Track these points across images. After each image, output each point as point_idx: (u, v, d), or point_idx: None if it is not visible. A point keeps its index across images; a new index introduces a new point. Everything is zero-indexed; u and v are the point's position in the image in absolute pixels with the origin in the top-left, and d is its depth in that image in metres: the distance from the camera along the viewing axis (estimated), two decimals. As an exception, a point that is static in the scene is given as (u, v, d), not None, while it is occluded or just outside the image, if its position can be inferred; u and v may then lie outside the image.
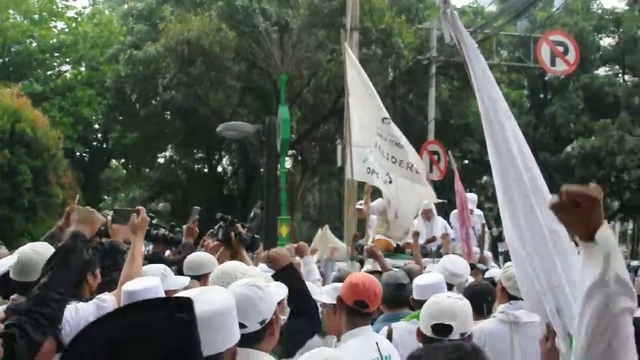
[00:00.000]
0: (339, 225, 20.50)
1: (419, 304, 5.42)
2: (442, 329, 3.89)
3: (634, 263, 12.94)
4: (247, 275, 3.85)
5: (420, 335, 4.23)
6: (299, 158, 34.47)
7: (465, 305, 4.00)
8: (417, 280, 5.78)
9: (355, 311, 4.71)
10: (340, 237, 15.66)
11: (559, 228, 2.89)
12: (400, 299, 5.80)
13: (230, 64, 24.70)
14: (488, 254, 12.01)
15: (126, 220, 4.98)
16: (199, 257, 6.26)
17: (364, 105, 10.37)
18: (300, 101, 27.69)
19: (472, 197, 13.46)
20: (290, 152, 30.46)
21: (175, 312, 1.94)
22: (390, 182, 10.46)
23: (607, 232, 2.15)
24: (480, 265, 10.60)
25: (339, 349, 4.54)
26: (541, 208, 2.94)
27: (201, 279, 5.66)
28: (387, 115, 10.47)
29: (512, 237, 3.02)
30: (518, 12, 26.62)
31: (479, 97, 3.29)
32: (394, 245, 11.45)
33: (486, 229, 12.67)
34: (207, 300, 2.82)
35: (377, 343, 4.74)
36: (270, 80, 26.00)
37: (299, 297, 4.49)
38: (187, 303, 1.99)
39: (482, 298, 5.82)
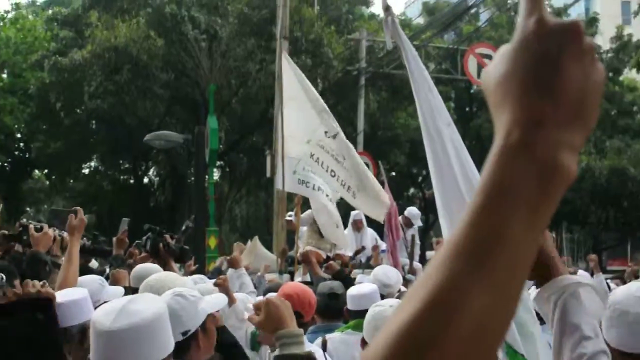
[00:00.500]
0: (267, 238, 20.41)
1: (353, 314, 5.39)
2: None
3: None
4: (177, 285, 3.74)
5: (365, 345, 4.16)
6: (227, 169, 34.22)
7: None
8: (351, 291, 5.76)
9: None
10: (269, 250, 15.56)
11: None
12: (334, 309, 5.75)
13: (158, 73, 24.37)
14: (418, 265, 12.01)
15: (63, 222, 4.83)
16: (145, 269, 6.00)
17: (298, 118, 10.22)
18: (229, 111, 27.48)
19: (416, 213, 13.59)
20: (218, 163, 30.22)
21: (33, 313, 1.86)
22: (322, 191, 10.38)
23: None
24: (409, 277, 10.62)
25: None
26: None
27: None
28: (334, 129, 10.25)
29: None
30: (445, 25, 27.00)
31: (418, 104, 3.30)
32: (324, 256, 11.40)
33: (417, 240, 12.69)
34: (135, 311, 2.71)
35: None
36: (199, 89, 25.73)
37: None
38: (44, 303, 1.90)
39: None
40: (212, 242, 18.27)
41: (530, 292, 2.95)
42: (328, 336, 5.34)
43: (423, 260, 14.63)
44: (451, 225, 3.07)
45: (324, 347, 5.26)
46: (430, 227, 45.15)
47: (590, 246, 45.99)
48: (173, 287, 3.57)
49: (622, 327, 2.61)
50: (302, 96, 10.23)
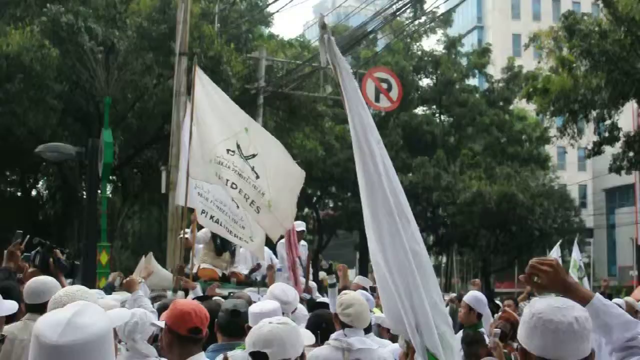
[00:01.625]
0: (159, 255, 20.00)
1: (255, 333, 5.36)
2: (258, 357, 3.74)
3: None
4: (89, 299, 3.63)
5: None
6: (120, 184, 33.54)
7: (287, 330, 3.83)
8: (253, 308, 5.72)
9: (190, 339, 4.57)
10: (162, 266, 15.27)
11: (420, 249, 2.99)
12: (235, 326, 5.66)
13: (51, 83, 23.64)
14: (313, 284, 12.04)
15: None
16: (42, 282, 5.70)
17: (206, 138, 10.19)
18: (124, 125, 26.95)
19: (300, 223, 13.48)
20: (111, 177, 29.56)
21: None
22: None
23: None
24: (304, 295, 10.61)
25: None
26: (405, 229, 3.01)
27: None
28: (238, 150, 10.19)
29: (377, 256, 3.05)
30: (344, 49, 27.29)
31: (351, 121, 3.33)
32: (220, 274, 11.31)
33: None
34: (82, 325, 2.61)
35: None
36: (94, 102, 25.14)
37: None
38: None
39: (316, 325, 5.88)
40: (103, 258, 17.80)
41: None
42: (229, 353, 5.26)
43: (316, 279, 14.62)
44: (378, 234, 3.12)
45: (224, 364, 5.21)
46: (323, 247, 45.51)
47: (480, 268, 47.17)
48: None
49: (545, 336, 2.78)
50: (209, 117, 10.19)
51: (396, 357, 6.04)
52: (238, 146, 10.22)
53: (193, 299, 8.48)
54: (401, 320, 2.95)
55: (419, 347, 2.89)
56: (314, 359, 5.60)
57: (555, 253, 17.98)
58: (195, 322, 4.57)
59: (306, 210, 46.39)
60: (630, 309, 12.73)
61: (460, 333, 7.46)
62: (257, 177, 10.20)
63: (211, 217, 10.63)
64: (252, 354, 3.76)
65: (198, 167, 10.15)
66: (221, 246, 11.59)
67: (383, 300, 3.13)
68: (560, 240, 19.22)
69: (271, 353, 3.70)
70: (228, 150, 10.13)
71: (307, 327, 5.81)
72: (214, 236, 11.45)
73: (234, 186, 10.13)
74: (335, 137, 35.80)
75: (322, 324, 6.01)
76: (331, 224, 45.26)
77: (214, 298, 8.10)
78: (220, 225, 10.64)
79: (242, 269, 11.91)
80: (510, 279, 51.04)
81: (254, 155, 10.27)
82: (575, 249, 18.21)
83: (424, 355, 2.88)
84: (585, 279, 16.92)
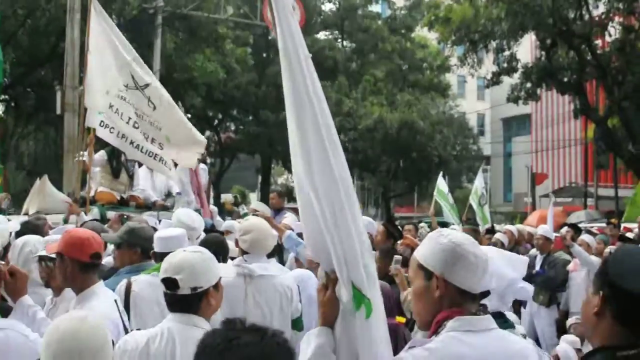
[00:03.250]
0: (56, 177, 19.43)
1: (160, 256, 5.24)
2: (169, 283, 3.75)
3: None
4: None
5: None
6: (13, 104, 32.28)
7: (200, 258, 3.81)
8: (159, 233, 5.69)
9: (92, 265, 4.56)
10: (59, 189, 14.83)
11: (346, 176, 2.87)
12: (148, 250, 5.59)
13: None
14: (213, 208, 11.90)
15: None
16: None
17: (97, 68, 9.95)
18: (15, 43, 25.77)
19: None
20: (2, 97, 28.45)
21: None
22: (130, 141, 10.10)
23: None
24: (205, 221, 10.49)
25: (84, 310, 4.22)
26: (334, 154, 2.86)
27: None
28: (142, 80, 10.05)
29: (303, 180, 2.89)
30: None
31: (279, 29, 3.07)
32: (118, 197, 11.05)
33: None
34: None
35: (115, 301, 4.65)
36: (-20, 18, 23.92)
37: None
38: None
39: (217, 253, 5.80)
40: (-3, 179, 17.20)
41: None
42: (133, 278, 5.28)
43: (218, 206, 14.49)
44: (306, 153, 2.94)
45: (127, 289, 5.11)
46: (225, 170, 45.25)
47: (380, 194, 47.87)
48: None
49: (468, 268, 2.87)
50: (105, 47, 9.97)
51: (299, 283, 6.04)
52: (132, 77, 10.03)
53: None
54: (325, 249, 2.82)
55: (345, 280, 2.78)
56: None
57: (478, 182, 18.20)
58: (95, 247, 4.54)
59: (207, 133, 45.84)
60: (521, 237, 13.10)
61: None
62: (154, 108, 10.05)
63: (111, 130, 10.24)
64: (163, 280, 3.77)
65: (95, 98, 9.95)
66: (118, 169, 11.33)
67: (305, 227, 2.99)
68: (441, 173, 19.41)
69: (181, 279, 3.71)
70: (126, 86, 9.94)
71: None
72: (110, 158, 11.18)
73: (135, 125, 9.94)
74: (236, 60, 35.22)
75: (212, 248, 5.91)
76: (232, 147, 44.94)
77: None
78: (127, 141, 10.29)
79: (151, 194, 11.67)
80: (410, 204, 52.15)
81: (147, 85, 10.10)
82: (479, 176, 18.60)
83: (348, 289, 2.78)
84: (487, 206, 17.29)
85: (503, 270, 3.93)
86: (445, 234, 2.94)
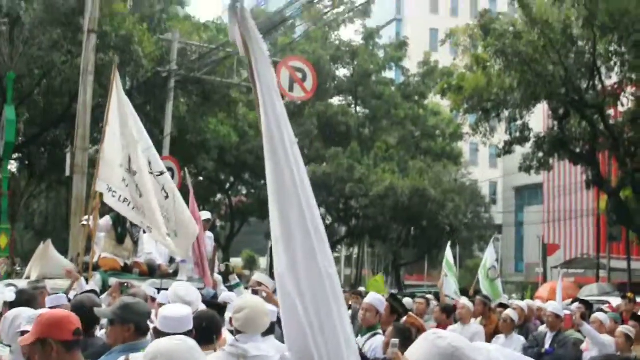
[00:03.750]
0: (66, 237, 19.34)
1: (162, 335, 5.02)
2: None
3: None
4: None
5: None
6: (26, 162, 32.41)
7: (176, 347, 3.54)
8: (164, 311, 5.40)
9: (76, 342, 4.38)
10: (66, 251, 14.71)
11: (333, 273, 2.64)
12: (145, 328, 5.34)
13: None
14: (218, 277, 11.67)
15: None
16: None
17: (120, 143, 10.10)
18: (30, 102, 25.97)
19: (205, 213, 13.10)
20: (16, 155, 28.54)
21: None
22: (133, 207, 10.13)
23: None
24: (207, 291, 10.28)
25: None
26: (320, 249, 2.64)
27: None
28: (149, 167, 10.19)
29: (286, 280, 2.65)
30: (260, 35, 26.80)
31: (263, 114, 2.83)
32: (122, 264, 10.88)
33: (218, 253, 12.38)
34: None
35: None
36: (-3, 77, 24.15)
37: None
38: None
39: (209, 329, 5.59)
40: (3, 241, 17.10)
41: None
42: (132, 356, 4.98)
43: (227, 269, 14.23)
44: (290, 252, 2.72)
45: (126, 367, 4.89)
46: (235, 234, 45.09)
47: (391, 261, 47.52)
48: None
49: None
50: (125, 124, 10.10)
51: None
52: (149, 162, 10.20)
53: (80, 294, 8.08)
54: (309, 353, 2.60)
55: None
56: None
57: (489, 255, 17.60)
58: (75, 323, 4.36)
59: (219, 196, 45.91)
60: (530, 313, 12.80)
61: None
62: (167, 197, 10.06)
63: (120, 198, 10.28)
64: None
65: (110, 170, 10.06)
66: (122, 234, 11.18)
67: (287, 332, 2.74)
68: (450, 242, 18.84)
69: None
70: (132, 170, 10.03)
71: (197, 330, 5.49)
72: (115, 224, 11.05)
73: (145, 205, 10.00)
74: (249, 124, 35.39)
75: (203, 324, 5.73)
76: (243, 211, 44.89)
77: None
78: (129, 206, 10.27)
79: (156, 258, 11.54)
80: (420, 272, 51.63)
81: (162, 173, 10.16)
82: (490, 248, 17.82)
83: None
84: (499, 280, 16.73)
85: None
86: (444, 336, 2.70)
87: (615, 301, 16.46)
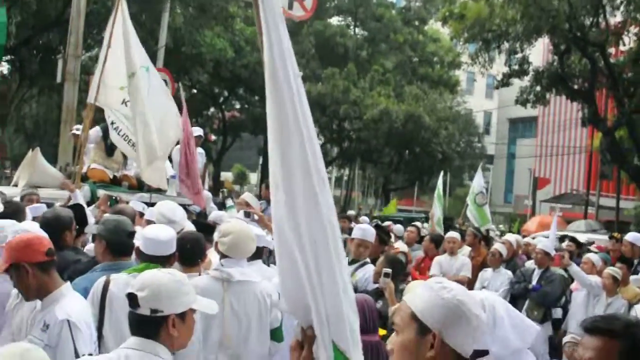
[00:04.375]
0: (57, 143, 19.17)
1: (145, 257, 4.96)
2: (130, 299, 3.47)
3: None
4: None
5: None
6: (18, 65, 31.93)
7: (166, 279, 3.47)
8: (147, 232, 5.20)
9: (51, 263, 4.25)
10: (55, 158, 14.58)
11: (335, 221, 2.48)
12: (127, 247, 5.23)
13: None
14: (207, 194, 11.56)
15: None
16: None
17: (119, 66, 9.85)
18: (22, 4, 25.38)
19: (197, 129, 12.91)
20: (7, 57, 28.09)
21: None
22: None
23: None
24: (193, 208, 10.20)
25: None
26: (322, 194, 2.46)
27: None
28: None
29: (284, 223, 2.45)
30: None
31: (267, 45, 2.59)
32: (111, 176, 10.75)
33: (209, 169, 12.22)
34: None
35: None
36: (-12, -23, 23.53)
37: None
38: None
39: (180, 247, 5.43)
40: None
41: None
42: (113, 276, 4.95)
43: (217, 184, 14.12)
44: (289, 194, 2.53)
45: (105, 287, 4.81)
46: (227, 148, 44.96)
47: (381, 185, 47.60)
48: None
49: (468, 331, 2.53)
50: (122, 45, 9.86)
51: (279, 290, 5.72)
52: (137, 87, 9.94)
53: (73, 205, 7.98)
54: (304, 304, 2.44)
55: (325, 340, 2.40)
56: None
57: (477, 180, 17.59)
58: (46, 244, 4.29)
59: (212, 110, 45.60)
60: (518, 248, 12.80)
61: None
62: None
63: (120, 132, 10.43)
64: (127, 294, 3.49)
65: (109, 94, 10.01)
66: (112, 146, 11.03)
67: (281, 276, 2.58)
68: (442, 172, 18.72)
69: (142, 297, 3.42)
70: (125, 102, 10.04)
71: (180, 251, 5.39)
72: (105, 135, 10.88)
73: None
74: (245, 40, 34.89)
75: (187, 245, 5.63)
76: (236, 126, 44.66)
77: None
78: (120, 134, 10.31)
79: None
80: (409, 197, 51.86)
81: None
82: (478, 175, 17.84)
83: (327, 348, 2.40)
84: (487, 206, 16.76)
85: (509, 336, 3.51)
86: (449, 287, 2.57)
87: (601, 240, 16.55)
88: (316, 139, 2.61)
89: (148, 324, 3.42)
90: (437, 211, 16.11)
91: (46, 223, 5.86)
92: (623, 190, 34.65)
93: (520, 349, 3.57)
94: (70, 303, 4.14)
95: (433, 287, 2.58)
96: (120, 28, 9.91)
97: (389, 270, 6.50)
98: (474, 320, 2.51)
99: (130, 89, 9.71)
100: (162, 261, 4.95)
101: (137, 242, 5.23)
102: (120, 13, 9.99)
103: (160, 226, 5.43)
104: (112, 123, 10.41)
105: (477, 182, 17.32)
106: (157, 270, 3.62)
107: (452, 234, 11.73)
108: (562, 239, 15.33)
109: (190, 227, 7.03)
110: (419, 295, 2.60)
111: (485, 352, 3.02)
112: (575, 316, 9.85)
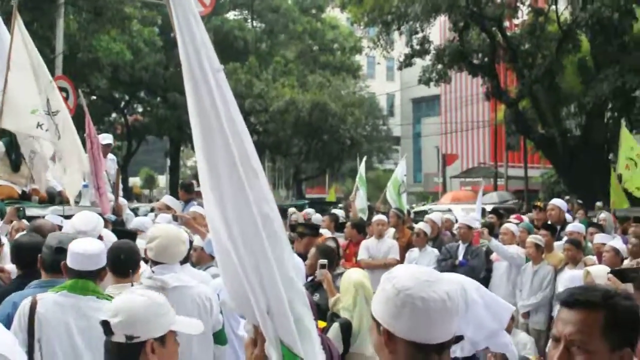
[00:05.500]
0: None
1: (73, 273, 4.63)
2: (103, 326, 3.26)
3: None
4: None
5: None
6: None
7: (141, 302, 3.22)
8: (74, 247, 4.75)
9: None
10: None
11: (270, 211, 2.35)
12: (59, 264, 4.92)
13: None
14: (123, 201, 11.23)
15: None
16: None
17: (22, 87, 9.54)
18: None
19: (106, 136, 12.52)
20: None
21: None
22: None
23: None
24: (108, 217, 9.85)
25: None
26: (252, 186, 2.36)
27: None
28: (47, 106, 9.66)
29: (216, 221, 2.37)
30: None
31: (180, 38, 2.50)
32: (19, 192, 10.33)
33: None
34: None
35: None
36: None
37: None
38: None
39: (113, 258, 5.21)
40: None
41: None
42: (39, 296, 4.59)
43: (126, 190, 13.76)
44: (216, 189, 2.43)
45: (32, 309, 4.49)
46: (133, 153, 44.11)
47: (292, 175, 47.52)
48: None
49: (415, 317, 2.32)
50: (28, 66, 9.57)
51: (219, 293, 5.52)
52: (47, 101, 9.68)
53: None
54: (248, 301, 2.33)
55: (270, 336, 2.30)
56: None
57: (400, 169, 17.33)
58: None
59: (114, 115, 44.69)
60: (434, 225, 12.81)
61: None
62: (59, 137, 9.62)
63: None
64: (101, 321, 3.26)
65: (14, 117, 9.56)
66: (17, 161, 10.62)
67: (224, 276, 2.47)
68: (363, 158, 18.40)
69: (115, 323, 3.19)
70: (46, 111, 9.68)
71: (111, 262, 5.12)
72: (8, 150, 10.50)
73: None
74: (144, 41, 34.22)
75: (120, 256, 5.34)
76: (140, 130, 43.85)
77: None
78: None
79: (56, 185, 11.04)
80: (321, 185, 51.98)
81: (58, 112, 9.66)
82: (401, 165, 17.57)
83: (276, 346, 2.30)
84: (405, 194, 16.68)
85: (483, 319, 3.34)
86: (391, 277, 2.41)
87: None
88: (246, 133, 2.53)
89: (124, 352, 3.19)
90: (361, 198, 16.02)
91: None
92: (528, 159, 35.52)
93: (495, 330, 3.44)
94: None
95: (382, 280, 2.45)
96: (22, 49, 9.54)
97: (325, 261, 6.39)
98: (418, 303, 2.32)
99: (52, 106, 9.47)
100: (92, 276, 4.66)
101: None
102: (18, 30, 9.57)
103: (88, 239, 5.09)
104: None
105: (400, 172, 17.14)
106: (130, 292, 3.37)
107: (381, 217, 11.72)
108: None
109: (108, 236, 6.73)
110: (376, 293, 2.48)
111: (460, 338, 2.89)
112: (498, 288, 9.95)
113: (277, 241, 2.39)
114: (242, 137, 2.43)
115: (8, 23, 10.29)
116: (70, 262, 4.71)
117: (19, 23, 9.63)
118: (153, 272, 5.18)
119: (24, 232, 6.87)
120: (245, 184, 2.37)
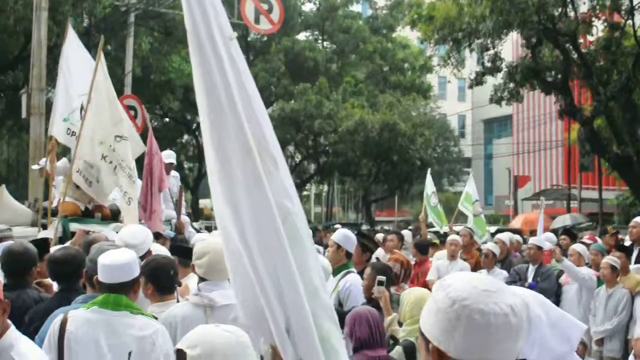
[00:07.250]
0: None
1: (104, 287, 4.44)
2: (178, 354, 3.03)
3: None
4: None
5: None
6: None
7: (225, 338, 2.87)
8: (102, 259, 4.54)
9: None
10: (25, 198, 14.14)
11: (292, 207, 2.02)
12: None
13: None
14: (186, 219, 11.17)
15: None
16: None
17: (100, 118, 9.47)
18: (-15, 44, 24.96)
19: (169, 154, 12.48)
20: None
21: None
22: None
23: None
24: (167, 234, 9.76)
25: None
26: (270, 177, 2.01)
27: None
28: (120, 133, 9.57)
29: (226, 220, 2.05)
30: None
31: (187, 9, 2.15)
32: (82, 208, 10.31)
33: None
34: None
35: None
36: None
37: None
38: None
39: (151, 274, 5.13)
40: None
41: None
42: (71, 313, 4.38)
43: (197, 212, 13.73)
44: (230, 188, 2.11)
45: (62, 326, 4.31)
46: (204, 175, 44.44)
47: (361, 197, 47.27)
48: None
49: (473, 334, 1.95)
50: (105, 100, 9.47)
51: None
52: (115, 137, 9.56)
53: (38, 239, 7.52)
54: (263, 317, 2.03)
55: (289, 355, 1.98)
56: (172, 318, 4.80)
57: (471, 188, 16.95)
58: None
59: (186, 137, 45.14)
60: (511, 246, 12.47)
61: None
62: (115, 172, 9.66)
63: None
64: (176, 349, 3.01)
65: (87, 146, 9.47)
66: (82, 178, 10.59)
67: (234, 286, 2.16)
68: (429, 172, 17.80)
69: (191, 356, 2.86)
70: (116, 137, 9.55)
71: (151, 278, 4.97)
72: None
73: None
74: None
75: (158, 273, 5.24)
76: (211, 152, 44.18)
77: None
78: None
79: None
80: (391, 207, 51.54)
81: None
82: (471, 182, 17.18)
83: None
84: (482, 215, 16.18)
85: (550, 340, 2.78)
86: (445, 285, 2.04)
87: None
88: (264, 114, 2.19)
89: None
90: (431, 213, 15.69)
91: (10, 259, 5.44)
92: (603, 180, 34.54)
93: (565, 353, 2.91)
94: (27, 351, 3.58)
95: (433, 289, 2.09)
96: (103, 82, 9.50)
97: (383, 278, 6.11)
98: (476, 316, 1.94)
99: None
100: (125, 288, 4.44)
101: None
102: (101, 65, 9.53)
103: (117, 250, 4.87)
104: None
105: (472, 190, 16.72)
106: (215, 326, 3.03)
107: (454, 237, 11.35)
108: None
109: (159, 250, 6.59)
110: (425, 304, 2.11)
111: None
112: (568, 310, 9.49)
113: (300, 243, 2.05)
114: (259, 119, 2.08)
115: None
116: (100, 275, 4.50)
117: (102, 58, 9.61)
118: (200, 289, 4.98)
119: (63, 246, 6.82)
120: (262, 173, 2.05)
